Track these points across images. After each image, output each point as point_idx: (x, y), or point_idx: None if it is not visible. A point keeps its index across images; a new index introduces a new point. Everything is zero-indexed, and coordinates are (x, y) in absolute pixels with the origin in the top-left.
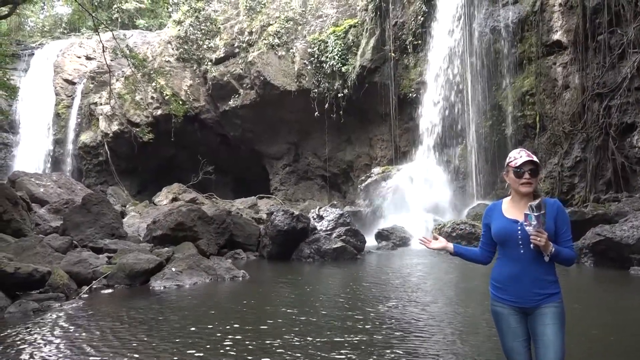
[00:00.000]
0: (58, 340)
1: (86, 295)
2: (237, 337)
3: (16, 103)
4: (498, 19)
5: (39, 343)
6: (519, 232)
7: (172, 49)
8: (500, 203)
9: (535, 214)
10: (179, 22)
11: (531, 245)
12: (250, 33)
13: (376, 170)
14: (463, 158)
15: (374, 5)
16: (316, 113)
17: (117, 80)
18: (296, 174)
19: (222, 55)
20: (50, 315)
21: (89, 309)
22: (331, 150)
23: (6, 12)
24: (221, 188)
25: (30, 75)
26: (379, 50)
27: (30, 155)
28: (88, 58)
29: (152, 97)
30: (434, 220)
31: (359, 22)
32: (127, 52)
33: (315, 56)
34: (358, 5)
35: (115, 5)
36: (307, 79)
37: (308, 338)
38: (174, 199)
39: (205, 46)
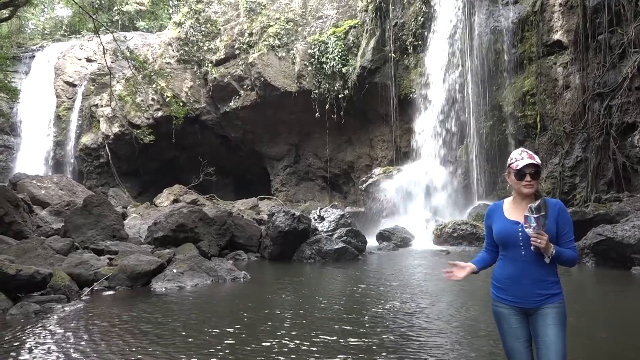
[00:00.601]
0: (59, 343)
1: (87, 297)
2: (236, 338)
3: (17, 105)
4: (498, 19)
5: (41, 345)
6: (520, 233)
7: (173, 50)
8: (502, 204)
9: (535, 215)
10: (179, 24)
11: (532, 247)
12: (251, 34)
13: (377, 170)
14: (464, 158)
15: (374, 6)
16: (317, 114)
17: (117, 82)
18: (297, 175)
19: (223, 56)
20: (52, 317)
21: (91, 311)
22: (332, 151)
23: (7, 15)
24: (222, 189)
25: (31, 77)
26: (379, 51)
27: (32, 157)
28: (89, 60)
29: (153, 99)
30: (435, 221)
31: (359, 23)
32: (128, 54)
33: (316, 57)
34: (358, 6)
35: (115, 8)
36: (307, 80)
37: (306, 341)
38: (175, 201)
39: (205, 48)
